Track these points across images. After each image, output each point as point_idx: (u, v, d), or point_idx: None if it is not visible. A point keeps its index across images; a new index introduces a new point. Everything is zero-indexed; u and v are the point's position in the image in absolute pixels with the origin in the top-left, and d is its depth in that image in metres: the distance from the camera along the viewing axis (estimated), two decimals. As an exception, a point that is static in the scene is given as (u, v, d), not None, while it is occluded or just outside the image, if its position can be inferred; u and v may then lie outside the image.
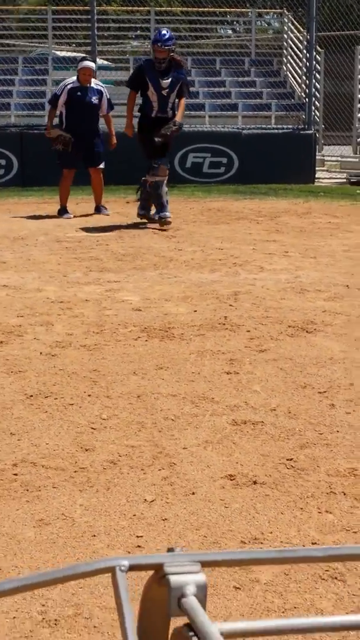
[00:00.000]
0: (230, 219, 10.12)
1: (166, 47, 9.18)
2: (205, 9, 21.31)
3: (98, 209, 10.77)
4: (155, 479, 3.08)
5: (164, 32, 9.43)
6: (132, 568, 0.70)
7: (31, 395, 3.98)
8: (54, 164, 14.10)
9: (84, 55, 18.63)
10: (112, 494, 2.96)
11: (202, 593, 0.68)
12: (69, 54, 20.31)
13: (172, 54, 9.30)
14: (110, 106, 10.74)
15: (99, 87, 10.60)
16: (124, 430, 3.55)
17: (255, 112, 16.96)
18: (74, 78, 10.51)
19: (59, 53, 19.78)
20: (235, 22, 29.16)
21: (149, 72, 9.30)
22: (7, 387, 4.11)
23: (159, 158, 9.50)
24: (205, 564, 0.70)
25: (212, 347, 4.75)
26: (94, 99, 10.45)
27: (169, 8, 24.45)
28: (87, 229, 9.56)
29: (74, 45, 21.70)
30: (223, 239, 8.63)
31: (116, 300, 5.94)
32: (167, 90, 9.27)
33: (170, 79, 9.26)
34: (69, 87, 10.37)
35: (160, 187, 9.57)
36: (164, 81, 9.23)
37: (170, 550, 0.71)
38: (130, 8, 22.44)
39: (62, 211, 10.70)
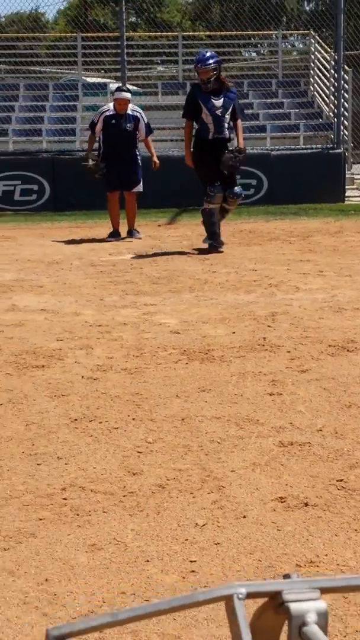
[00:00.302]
0: (262, 240, 10.12)
1: (207, 67, 9.15)
2: (230, 33, 21.45)
3: (131, 233, 10.82)
4: (205, 502, 3.06)
5: (203, 52, 9.44)
6: (250, 595, 0.69)
7: (76, 419, 3.99)
8: (85, 188, 14.24)
9: (115, 82, 18.80)
10: (163, 518, 2.95)
11: (323, 620, 0.67)
12: (98, 79, 20.50)
13: (215, 73, 9.14)
14: (149, 130, 10.81)
15: (135, 114, 10.67)
16: (170, 453, 3.54)
17: (284, 133, 16.98)
18: (111, 105, 10.60)
19: (88, 79, 19.96)
20: (259, 45, 29.35)
21: (200, 95, 9.28)
22: (51, 411, 4.11)
23: (214, 185, 9.37)
24: (325, 591, 0.69)
25: (253, 368, 4.74)
26: (129, 126, 10.55)
27: (195, 33, 24.63)
28: (120, 253, 9.60)
29: (103, 71, 21.90)
30: (256, 260, 8.63)
31: (154, 323, 5.94)
32: (221, 109, 9.16)
33: (222, 99, 9.15)
34: (105, 114, 10.49)
35: (213, 215, 9.49)
36: (217, 101, 9.13)
37: (286, 576, 0.70)
38: (156, 34, 22.66)
39: (114, 234, 10.76)
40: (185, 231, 11.57)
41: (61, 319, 6.16)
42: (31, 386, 4.54)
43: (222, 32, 22.14)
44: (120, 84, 11.17)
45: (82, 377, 4.68)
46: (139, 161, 10.77)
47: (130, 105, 10.63)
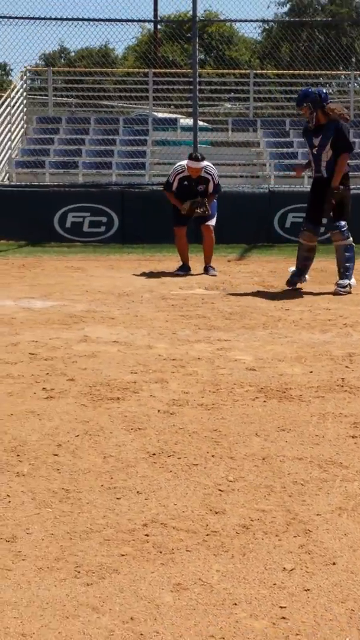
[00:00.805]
0: (335, 279, 10.00)
1: (301, 107, 9.09)
2: (299, 72, 21.50)
3: (207, 270, 10.78)
4: (291, 546, 2.98)
5: (302, 91, 9.32)
6: None
7: (154, 454, 3.94)
8: (153, 222, 14.34)
9: (184, 118, 18.94)
10: (249, 561, 2.87)
11: None
12: (168, 115, 20.70)
13: (313, 111, 8.95)
14: (217, 190, 10.75)
15: (207, 175, 10.64)
16: (253, 493, 3.46)
17: (356, 173, 16.89)
18: (184, 164, 10.62)
19: (157, 114, 20.16)
20: (328, 85, 29.37)
21: (306, 133, 9.25)
22: (128, 445, 4.07)
23: (307, 221, 9.29)
24: None
25: (333, 409, 4.64)
26: (201, 188, 10.65)
27: (264, 71, 24.73)
28: (191, 287, 9.59)
29: (172, 106, 22.09)
30: (330, 299, 8.54)
31: (229, 359, 5.88)
32: (316, 148, 9.04)
33: (320, 136, 9.01)
34: (179, 176, 10.55)
35: (303, 250, 9.40)
36: (316, 139, 9.03)
37: None
38: (226, 71, 22.82)
39: (184, 268, 10.78)
40: (255, 267, 11.53)
41: (134, 351, 6.14)
42: (107, 418, 4.51)
43: (291, 72, 22.20)
44: (193, 153, 11.17)
45: (158, 411, 4.64)
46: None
47: (203, 163, 10.63)
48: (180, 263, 10.94)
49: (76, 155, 17.51)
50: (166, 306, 8.19)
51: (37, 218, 14.87)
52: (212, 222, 10.78)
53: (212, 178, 10.65)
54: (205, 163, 10.69)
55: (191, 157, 10.77)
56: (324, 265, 10.76)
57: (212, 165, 10.86)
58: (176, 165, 10.81)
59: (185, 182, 10.57)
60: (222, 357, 5.97)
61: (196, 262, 11.24)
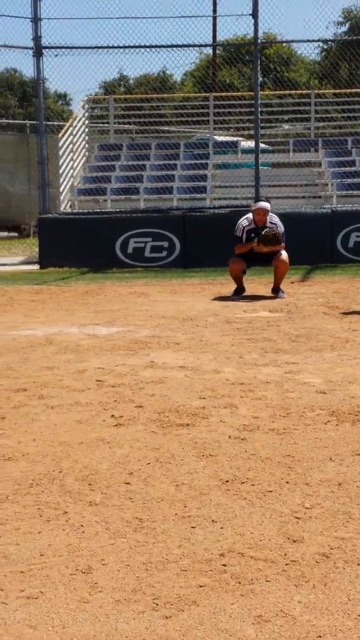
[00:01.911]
0: None
1: None
2: (358, 90, 21.36)
3: (276, 291, 10.70)
4: (374, 575, 2.89)
5: None
6: None
7: (227, 481, 3.87)
8: (214, 245, 14.32)
9: (245, 140, 18.98)
10: (331, 591, 2.79)
11: None
12: (228, 138, 20.73)
13: None
14: (284, 239, 10.63)
15: (272, 225, 10.58)
16: (331, 520, 3.37)
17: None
18: (250, 217, 10.61)
19: (217, 137, 20.21)
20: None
21: None
22: (200, 472, 4.01)
23: None
24: None
25: None
26: None
27: (323, 91, 24.64)
28: (255, 310, 9.52)
29: (232, 129, 22.13)
30: None
31: (298, 383, 5.80)
32: None
33: None
34: (246, 229, 10.54)
35: None
36: None
37: None
38: (287, 92, 22.79)
39: (239, 290, 10.74)
40: (319, 288, 11.42)
41: (201, 376, 6.09)
42: (177, 445, 4.46)
43: (349, 90, 22.07)
44: (258, 200, 11.20)
45: (229, 436, 4.58)
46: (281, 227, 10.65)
47: (269, 216, 10.58)
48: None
49: (137, 181, 17.62)
50: (231, 330, 8.14)
51: (99, 244, 14.98)
52: (285, 256, 10.64)
53: (278, 227, 10.54)
54: (269, 207, 10.70)
55: (256, 202, 10.87)
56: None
57: (275, 216, 10.77)
58: (241, 220, 10.76)
59: (253, 235, 10.53)
60: (290, 380, 5.89)
61: (258, 285, 11.20)
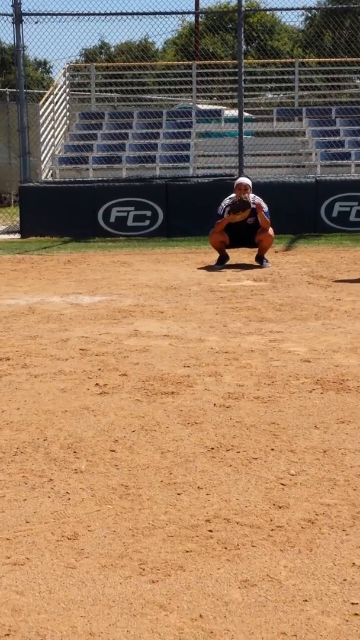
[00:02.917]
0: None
1: None
2: (342, 59, 21.27)
3: (260, 260, 10.66)
4: (359, 541, 2.90)
5: None
6: None
7: (212, 448, 3.88)
8: (197, 214, 14.28)
9: (227, 109, 18.86)
10: (316, 556, 2.80)
11: None
12: (211, 107, 20.60)
13: None
14: (266, 215, 10.53)
15: (255, 205, 10.48)
16: (316, 487, 3.39)
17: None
18: (233, 196, 10.51)
19: (200, 106, 20.08)
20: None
21: None
22: (185, 440, 4.02)
23: None
24: None
25: (392, 400, 4.55)
26: (250, 220, 10.50)
27: (307, 59, 24.50)
28: (239, 279, 9.51)
29: (215, 98, 21.98)
30: (381, 288, 8.41)
31: (282, 351, 5.80)
32: None
33: None
34: (227, 209, 10.43)
35: None
36: None
37: None
38: (271, 61, 22.65)
39: (222, 260, 10.72)
40: (303, 257, 11.42)
41: (186, 345, 6.08)
42: (162, 413, 4.46)
43: (333, 59, 21.95)
44: (240, 173, 11.08)
45: (214, 404, 4.58)
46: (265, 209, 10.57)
47: (251, 196, 10.49)
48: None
49: (120, 149, 17.50)
50: (215, 298, 8.13)
51: (81, 213, 14.89)
52: (271, 230, 10.59)
53: (262, 207, 10.44)
54: (250, 183, 10.64)
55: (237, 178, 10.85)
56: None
57: (257, 197, 10.67)
58: (225, 200, 10.66)
59: (226, 215, 10.45)
60: (275, 349, 5.89)
61: (242, 254, 11.18)
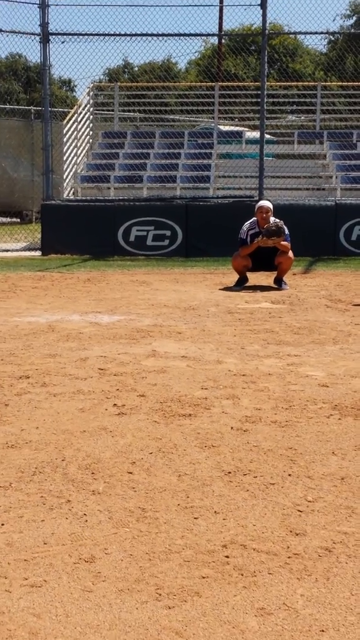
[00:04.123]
0: None
1: None
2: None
3: (279, 282, 10.68)
4: (376, 570, 2.89)
5: None
6: None
7: (229, 472, 3.88)
8: (217, 235, 14.32)
9: (249, 131, 18.92)
10: (333, 585, 2.80)
11: None
12: (232, 128, 20.68)
13: None
14: (287, 239, 10.54)
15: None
16: (333, 514, 3.38)
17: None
18: (254, 220, 10.57)
19: (222, 127, 20.16)
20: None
21: None
22: (202, 463, 4.02)
23: None
24: None
25: None
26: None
27: (329, 83, 24.58)
28: (257, 301, 9.52)
29: (237, 119, 22.07)
30: None
31: (300, 375, 5.80)
32: None
33: None
34: (250, 232, 10.50)
35: None
36: None
37: None
38: (293, 84, 22.72)
39: (241, 282, 10.73)
40: (321, 281, 11.42)
41: (203, 366, 6.09)
42: (180, 435, 4.46)
43: (355, 83, 22.01)
44: (260, 196, 11.14)
45: (231, 428, 4.58)
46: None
47: (272, 219, 10.53)
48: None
49: (141, 169, 17.59)
50: (233, 320, 8.14)
51: (102, 232, 14.97)
52: (290, 253, 10.61)
53: (283, 230, 10.47)
54: (271, 207, 10.67)
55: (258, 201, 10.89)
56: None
57: (280, 220, 10.68)
58: (245, 224, 10.72)
59: (257, 239, 10.49)
60: (292, 372, 5.89)
61: (260, 276, 11.19)
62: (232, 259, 10.78)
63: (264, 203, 10.79)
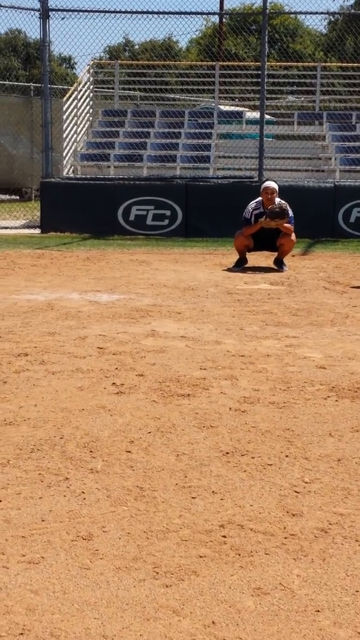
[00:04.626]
0: None
1: None
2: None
3: (279, 263, 10.66)
4: (372, 551, 2.92)
5: None
6: None
7: (227, 453, 3.89)
8: (216, 215, 14.30)
9: (250, 111, 18.85)
10: (329, 566, 2.82)
11: None
12: (233, 108, 20.60)
13: None
14: (290, 221, 10.52)
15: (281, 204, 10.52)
16: (330, 495, 3.40)
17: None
18: (259, 200, 10.53)
19: (222, 107, 20.08)
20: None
21: None
22: (201, 443, 4.03)
23: None
24: None
25: None
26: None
27: (328, 64, 24.46)
28: (256, 282, 9.52)
29: (237, 99, 21.98)
30: None
31: (298, 357, 5.81)
32: None
33: None
34: (254, 212, 10.47)
35: None
36: None
37: None
38: (293, 64, 22.61)
39: (241, 262, 10.72)
40: (320, 262, 11.42)
41: (202, 347, 6.10)
42: (178, 415, 4.48)
43: (355, 64, 21.91)
44: (264, 178, 11.08)
45: (230, 408, 4.60)
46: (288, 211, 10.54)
47: (277, 200, 10.49)
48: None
49: (141, 148, 17.52)
50: (232, 301, 8.14)
51: (101, 211, 14.95)
52: (293, 236, 10.60)
53: (288, 211, 10.44)
54: (277, 187, 10.62)
55: (265, 181, 10.85)
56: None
57: (283, 201, 10.64)
58: (250, 203, 10.69)
59: (261, 219, 10.46)
60: (291, 354, 5.90)
61: (259, 257, 11.19)
62: (235, 238, 10.76)
63: (270, 184, 10.75)
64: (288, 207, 10.44)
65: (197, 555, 2.88)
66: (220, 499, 3.37)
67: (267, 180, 11.03)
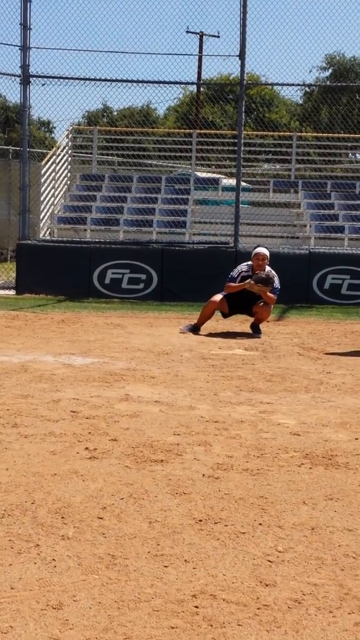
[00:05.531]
0: (375, 343, 9.93)
1: None
2: (338, 135, 21.65)
3: (255, 328, 10.69)
4: (346, 623, 2.88)
5: None
6: None
7: (200, 520, 3.86)
8: (192, 280, 14.39)
9: (226, 178, 19.10)
10: (303, 638, 2.78)
11: None
12: (209, 175, 20.89)
13: None
14: (275, 292, 10.65)
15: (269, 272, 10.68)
16: (303, 565, 3.37)
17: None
18: (250, 264, 10.68)
19: (199, 174, 20.35)
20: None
21: None
22: (174, 510, 4.00)
23: None
24: None
25: (381, 479, 4.55)
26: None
27: (304, 134, 24.91)
28: (230, 347, 9.55)
29: (214, 167, 22.30)
30: (372, 363, 8.45)
31: (272, 423, 5.81)
32: None
33: None
34: (242, 274, 10.62)
35: None
36: None
37: None
38: (269, 133, 23.03)
39: (194, 328, 10.75)
40: (294, 328, 11.48)
41: (176, 412, 6.09)
42: (151, 481, 4.44)
43: (331, 134, 22.36)
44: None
45: (203, 475, 4.57)
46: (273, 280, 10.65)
47: (267, 267, 10.66)
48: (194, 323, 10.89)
49: (118, 212, 17.68)
50: (206, 366, 8.15)
51: (77, 273, 15.00)
52: (269, 307, 10.69)
53: (275, 281, 10.57)
54: (267, 253, 10.74)
55: (256, 247, 10.97)
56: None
57: (274, 273, 10.77)
58: (241, 265, 10.85)
59: (247, 281, 10.57)
60: (265, 420, 5.90)
61: (234, 322, 11.24)
62: (208, 301, 10.79)
63: (262, 250, 10.83)
64: (276, 279, 10.54)
65: (169, 626, 2.84)
66: (192, 567, 3.33)
67: (259, 246, 11.12)
